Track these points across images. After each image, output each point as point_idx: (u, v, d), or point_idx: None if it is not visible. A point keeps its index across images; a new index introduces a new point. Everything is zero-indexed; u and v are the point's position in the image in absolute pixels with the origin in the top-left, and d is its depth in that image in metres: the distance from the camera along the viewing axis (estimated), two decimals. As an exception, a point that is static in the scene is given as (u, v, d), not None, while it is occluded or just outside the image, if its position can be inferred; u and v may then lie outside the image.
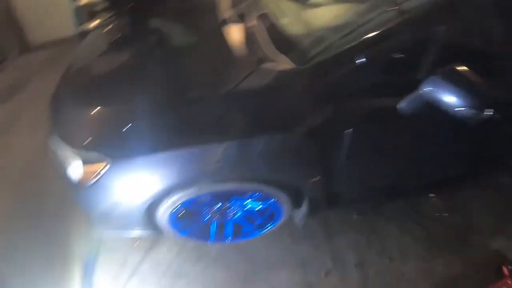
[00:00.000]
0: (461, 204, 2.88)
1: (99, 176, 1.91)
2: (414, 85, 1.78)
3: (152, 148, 1.85)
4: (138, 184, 1.96)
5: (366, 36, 1.81)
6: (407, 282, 2.40)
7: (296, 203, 2.18)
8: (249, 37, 2.15)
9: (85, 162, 1.93)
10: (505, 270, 2.55)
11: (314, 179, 1.98)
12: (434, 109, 1.77)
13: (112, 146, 1.90)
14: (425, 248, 2.56)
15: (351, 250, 2.48)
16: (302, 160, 1.91)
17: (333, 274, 2.40)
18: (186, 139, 1.84)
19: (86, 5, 3.56)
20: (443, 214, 2.76)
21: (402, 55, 1.85)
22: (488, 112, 1.68)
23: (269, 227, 2.37)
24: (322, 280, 2.38)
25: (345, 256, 2.46)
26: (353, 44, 1.82)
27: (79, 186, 2.00)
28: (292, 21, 2.20)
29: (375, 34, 1.81)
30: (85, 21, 3.45)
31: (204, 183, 1.98)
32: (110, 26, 2.84)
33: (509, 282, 2.43)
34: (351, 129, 1.84)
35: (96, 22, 3.21)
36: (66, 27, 4.14)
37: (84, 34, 3.33)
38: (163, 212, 2.10)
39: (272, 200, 2.11)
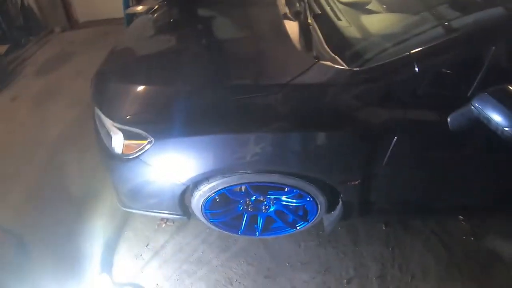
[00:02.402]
0: (489, 231, 2.86)
1: (140, 152, 1.93)
2: (463, 100, 1.78)
3: (197, 131, 1.85)
4: (178, 165, 1.97)
5: (420, 48, 1.82)
6: (426, 301, 2.37)
7: (330, 206, 2.18)
8: (306, 34, 2.16)
9: (128, 137, 1.95)
10: None
11: (353, 183, 1.97)
12: (481, 128, 1.77)
13: (157, 125, 1.90)
14: (446, 269, 2.53)
15: (375, 262, 2.46)
16: (345, 161, 1.91)
17: (353, 283, 2.38)
18: (233, 126, 1.84)
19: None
20: (469, 238, 2.74)
21: (452, 71, 1.86)
22: None
23: (300, 227, 2.35)
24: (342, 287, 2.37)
25: (368, 267, 2.44)
26: (408, 53, 1.83)
27: (118, 160, 2.01)
28: (347, 25, 2.21)
29: (429, 47, 1.82)
30: (133, 5, 3.50)
31: (245, 173, 1.98)
32: (160, 11, 2.88)
33: None
34: (397, 137, 1.83)
35: (144, 6, 3.25)
36: (113, 8, 4.23)
37: (131, 17, 3.38)
38: (199, 197, 2.10)
39: (309, 199, 2.10)
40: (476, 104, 1.74)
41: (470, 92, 1.81)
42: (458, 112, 1.81)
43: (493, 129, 1.73)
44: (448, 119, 1.82)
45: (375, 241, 2.54)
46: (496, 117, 1.70)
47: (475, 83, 1.83)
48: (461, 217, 2.78)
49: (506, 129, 1.70)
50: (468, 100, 1.77)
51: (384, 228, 2.60)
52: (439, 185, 2.18)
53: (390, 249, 2.52)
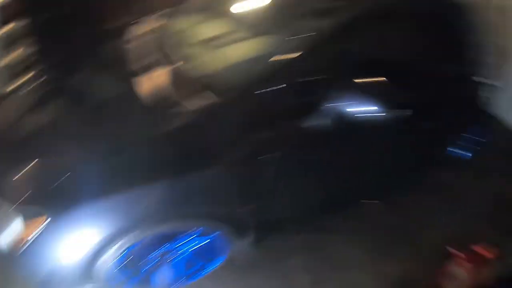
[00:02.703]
0: (403, 201, 2.91)
1: (39, 232, 1.87)
2: (325, 102, 1.94)
3: (90, 197, 1.86)
4: (79, 236, 1.94)
5: (279, 64, 1.96)
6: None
7: (240, 233, 2.22)
8: (169, 79, 2.21)
9: (26, 218, 1.91)
10: (452, 251, 2.54)
11: (249, 207, 2.04)
12: (351, 122, 1.93)
13: (51, 199, 1.91)
14: (373, 253, 2.62)
15: (302, 271, 2.51)
16: (233, 191, 1.99)
17: (289, 297, 2.41)
18: (122, 185, 1.88)
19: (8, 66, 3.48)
20: (387, 216, 2.82)
21: (315, 77, 2.01)
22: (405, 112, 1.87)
23: (218, 262, 2.36)
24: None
25: (298, 277, 2.49)
26: (267, 72, 1.95)
27: (15, 250, 1.93)
28: (207, 61, 2.28)
29: (286, 61, 1.95)
30: (8, 82, 3.35)
31: (146, 226, 1.98)
32: (35, 83, 2.79)
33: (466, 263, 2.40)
34: (276, 153, 1.94)
35: (19, 82, 3.14)
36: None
37: (6, 96, 3.24)
38: (107, 262, 2.04)
39: (216, 233, 2.13)
40: (338, 102, 1.91)
41: (334, 93, 1.97)
42: (321, 114, 1.95)
43: (367, 119, 1.89)
44: (318, 122, 1.96)
45: (295, 252, 2.58)
46: (365, 108, 1.88)
47: (337, 84, 2.00)
48: (374, 201, 2.83)
49: (381, 114, 1.88)
50: (333, 101, 1.92)
51: (300, 235, 2.64)
52: (331, 182, 2.32)
53: (313, 254, 2.58)
